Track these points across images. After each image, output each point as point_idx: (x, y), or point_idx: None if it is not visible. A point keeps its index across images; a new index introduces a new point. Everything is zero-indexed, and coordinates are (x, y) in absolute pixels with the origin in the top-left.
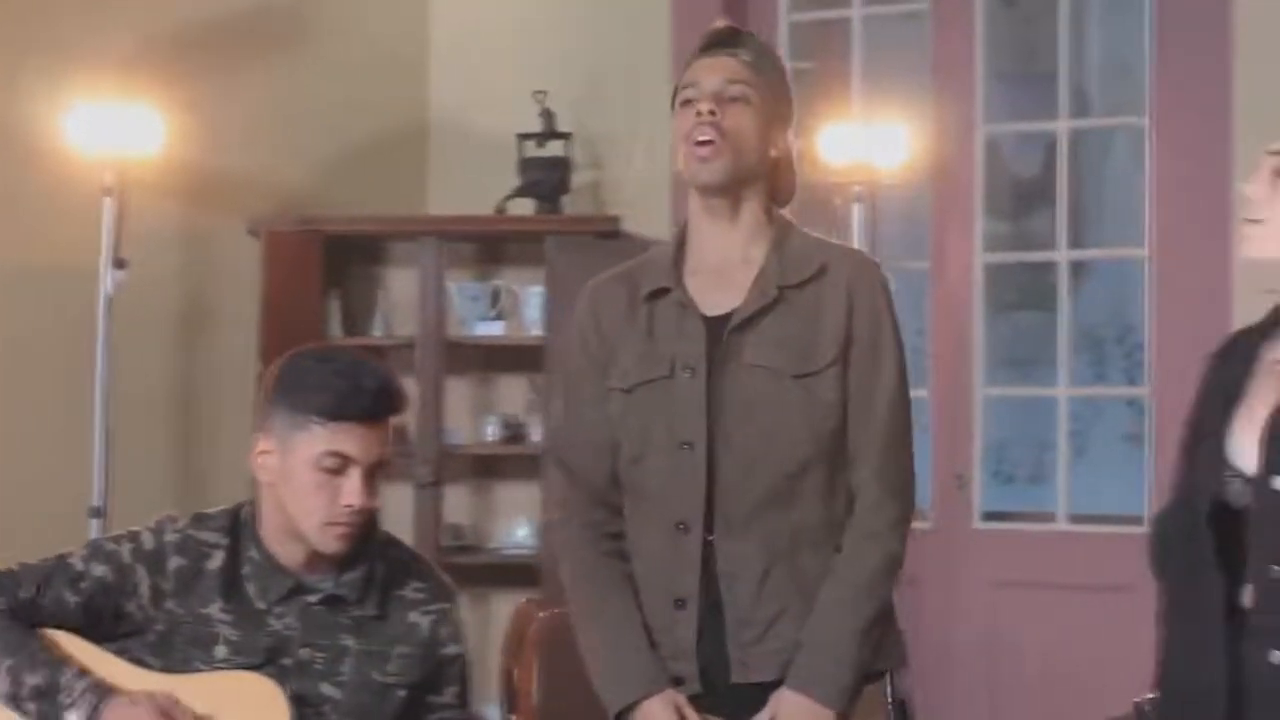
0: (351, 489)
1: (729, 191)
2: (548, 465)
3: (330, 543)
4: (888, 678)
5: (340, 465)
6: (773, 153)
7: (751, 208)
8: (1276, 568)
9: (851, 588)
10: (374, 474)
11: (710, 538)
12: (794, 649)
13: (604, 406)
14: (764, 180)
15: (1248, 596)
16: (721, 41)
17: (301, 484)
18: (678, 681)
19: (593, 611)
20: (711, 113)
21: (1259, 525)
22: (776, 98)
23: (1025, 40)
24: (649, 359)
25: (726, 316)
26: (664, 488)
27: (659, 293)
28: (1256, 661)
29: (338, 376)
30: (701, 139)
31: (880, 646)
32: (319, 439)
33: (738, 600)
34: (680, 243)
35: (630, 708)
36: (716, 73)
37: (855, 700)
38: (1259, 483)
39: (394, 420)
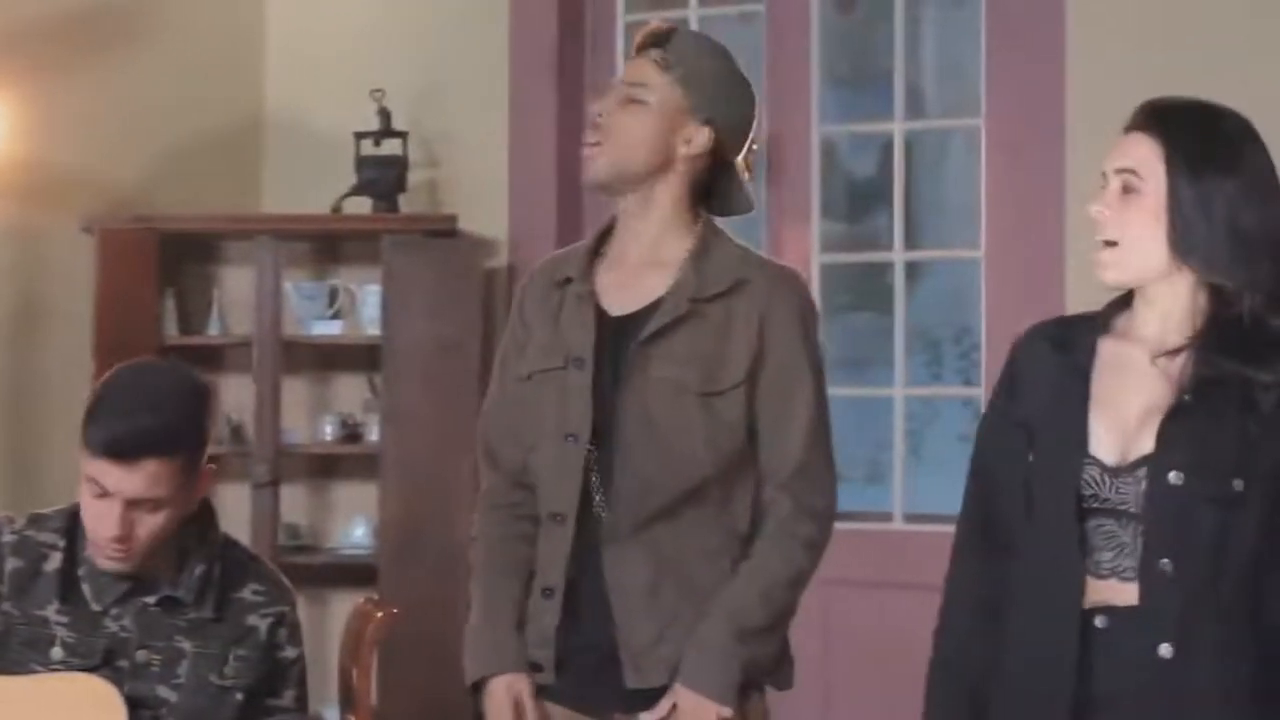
0: (106, 516)
1: (615, 189)
2: (383, 465)
3: (101, 560)
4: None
5: (100, 492)
6: (682, 149)
7: (662, 206)
8: (1166, 561)
9: (749, 591)
10: (135, 508)
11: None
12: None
13: (521, 389)
14: (675, 179)
15: (1103, 591)
16: (645, 43)
17: (82, 500)
18: (536, 668)
19: (480, 589)
20: (599, 115)
21: (1151, 519)
22: (688, 93)
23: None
24: (549, 349)
25: (628, 318)
26: (548, 478)
27: (567, 281)
28: (1134, 655)
29: (106, 406)
30: (587, 141)
31: (777, 655)
32: (86, 463)
33: (627, 608)
34: (603, 235)
35: (483, 682)
36: (628, 75)
37: (745, 700)
38: (1153, 477)
39: (154, 462)
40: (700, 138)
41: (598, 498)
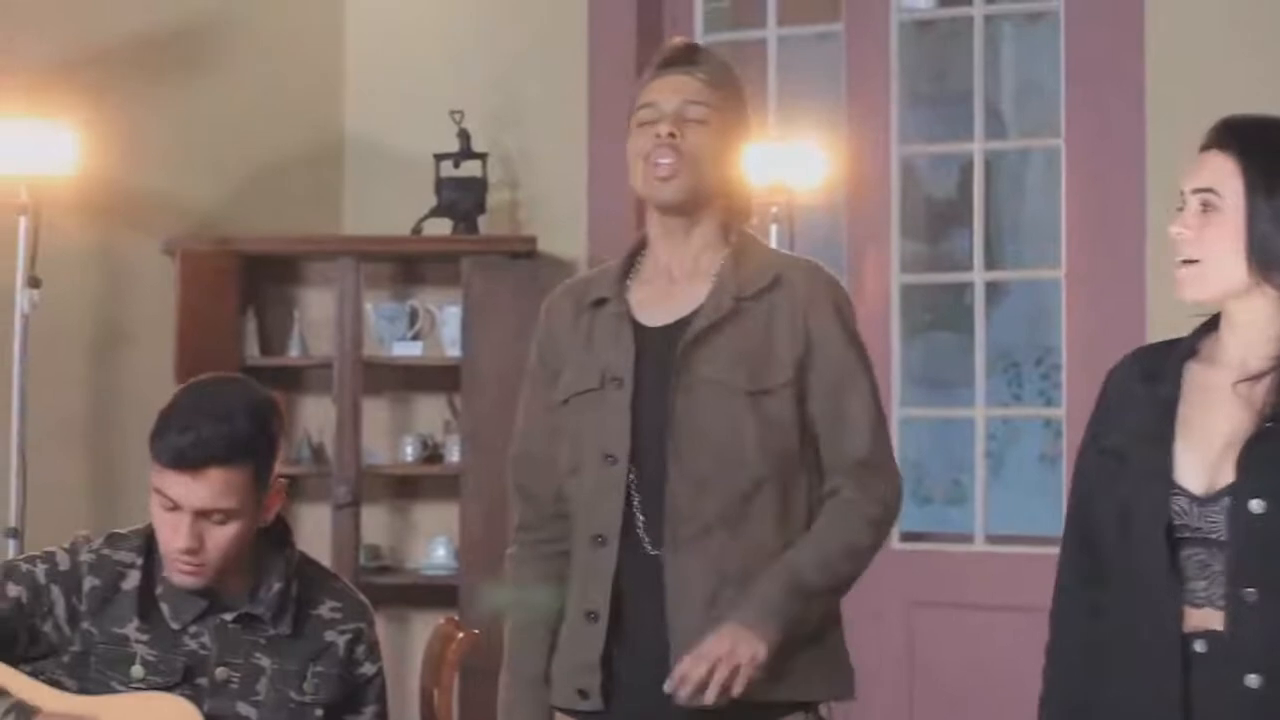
0: (176, 529)
1: (686, 211)
2: (463, 485)
3: (174, 575)
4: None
5: (170, 504)
6: (730, 171)
7: (706, 225)
8: (1251, 591)
9: (806, 554)
10: (204, 519)
11: (658, 552)
12: None
13: (553, 420)
14: (721, 198)
15: (1200, 619)
16: (680, 60)
17: (153, 514)
18: (582, 695)
19: (511, 636)
20: (671, 135)
21: (1236, 548)
22: (734, 116)
23: (939, 62)
24: (584, 370)
25: (671, 326)
26: (588, 501)
27: (600, 303)
28: (1227, 685)
29: (172, 419)
30: (661, 161)
31: (821, 623)
32: (155, 476)
33: (684, 621)
34: (634, 254)
35: None
36: (676, 93)
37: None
38: (1234, 505)
39: (218, 471)
40: (740, 158)
41: (640, 519)
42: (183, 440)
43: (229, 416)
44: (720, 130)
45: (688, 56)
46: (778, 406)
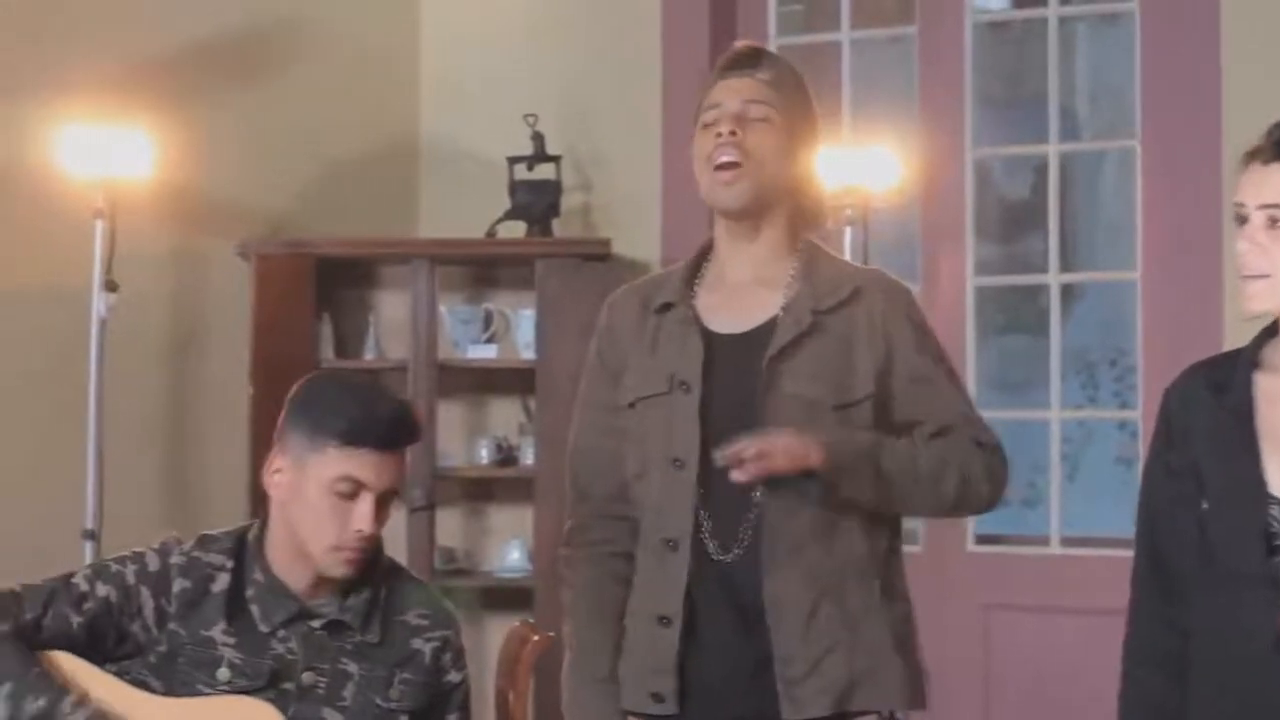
0: (362, 515)
1: (751, 215)
2: (537, 487)
3: (336, 566)
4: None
5: (353, 490)
6: (796, 173)
7: (773, 229)
8: None
9: (906, 443)
10: (386, 502)
11: (725, 558)
12: (846, 682)
13: (613, 420)
14: (788, 201)
15: None
16: (742, 62)
17: (314, 506)
18: (656, 699)
19: (573, 637)
20: (733, 133)
21: None
22: (799, 117)
23: (1013, 63)
24: (650, 374)
25: (744, 336)
26: (656, 505)
27: (665, 307)
28: None
29: (357, 402)
30: (724, 160)
31: (889, 494)
32: (334, 462)
33: (785, 634)
34: (700, 258)
35: None
36: (738, 94)
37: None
38: None
39: (406, 451)
40: (808, 161)
41: (706, 524)
42: (382, 419)
43: (392, 397)
44: (784, 130)
45: (750, 59)
46: (860, 419)
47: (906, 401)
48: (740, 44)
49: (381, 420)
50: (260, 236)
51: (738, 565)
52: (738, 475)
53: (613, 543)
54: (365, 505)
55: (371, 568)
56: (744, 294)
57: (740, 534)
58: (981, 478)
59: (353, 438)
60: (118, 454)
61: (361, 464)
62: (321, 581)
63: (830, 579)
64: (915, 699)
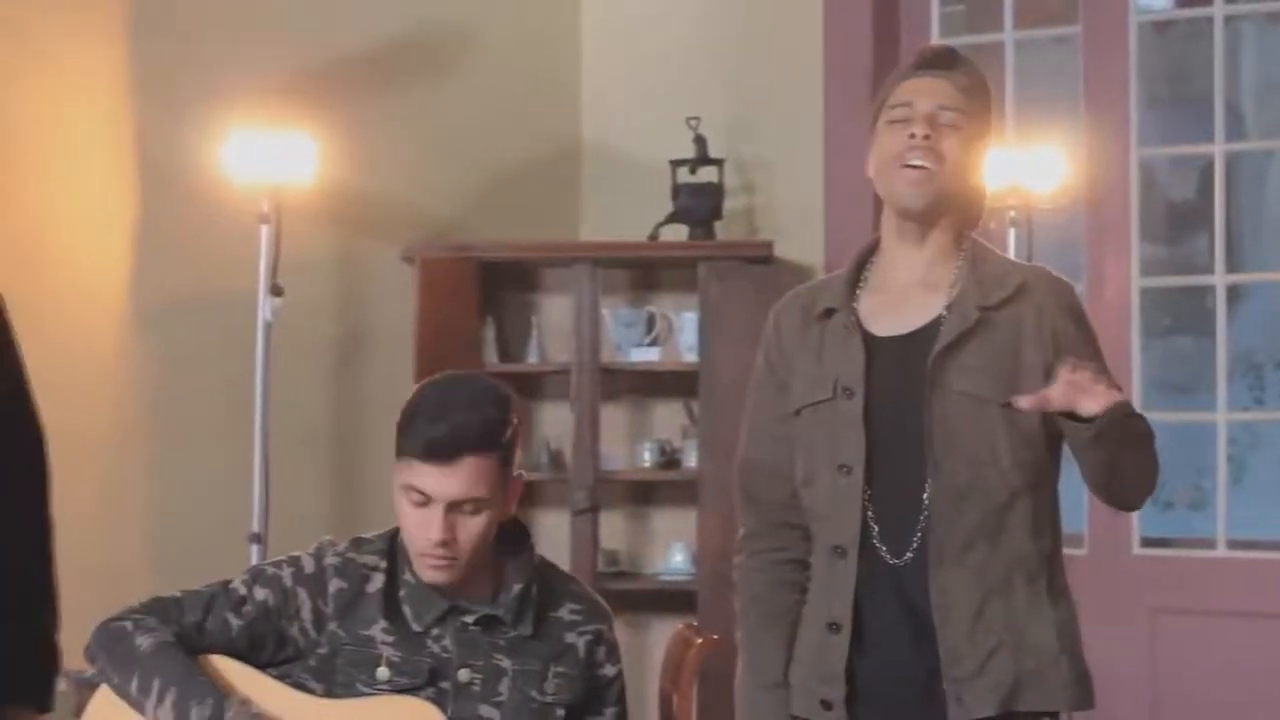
0: (430, 523)
1: (927, 218)
2: (701, 491)
3: (425, 572)
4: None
5: (423, 500)
6: (972, 180)
7: (942, 232)
8: None
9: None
10: (457, 511)
11: (897, 561)
12: (1012, 682)
13: (782, 428)
14: (960, 206)
15: None
16: (938, 63)
17: (400, 512)
18: (826, 706)
19: (746, 642)
20: (927, 137)
21: None
22: (983, 125)
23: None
24: (815, 381)
25: (907, 337)
26: (825, 511)
27: (828, 313)
28: None
29: (421, 412)
30: (916, 164)
31: (1064, 627)
32: (402, 471)
33: (952, 633)
34: (862, 261)
35: None
36: (932, 95)
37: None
38: None
39: (472, 459)
40: (984, 164)
41: (875, 529)
42: (436, 430)
43: (476, 405)
44: (969, 138)
45: (946, 61)
46: (1028, 417)
47: None
48: (937, 44)
49: (430, 434)
50: (425, 241)
51: (908, 568)
52: (1021, 402)
53: (784, 550)
54: (433, 514)
55: (523, 565)
56: (907, 296)
57: (911, 537)
58: (1153, 478)
59: (410, 449)
60: (283, 457)
61: (421, 475)
62: (464, 581)
63: (997, 578)
64: (1082, 700)
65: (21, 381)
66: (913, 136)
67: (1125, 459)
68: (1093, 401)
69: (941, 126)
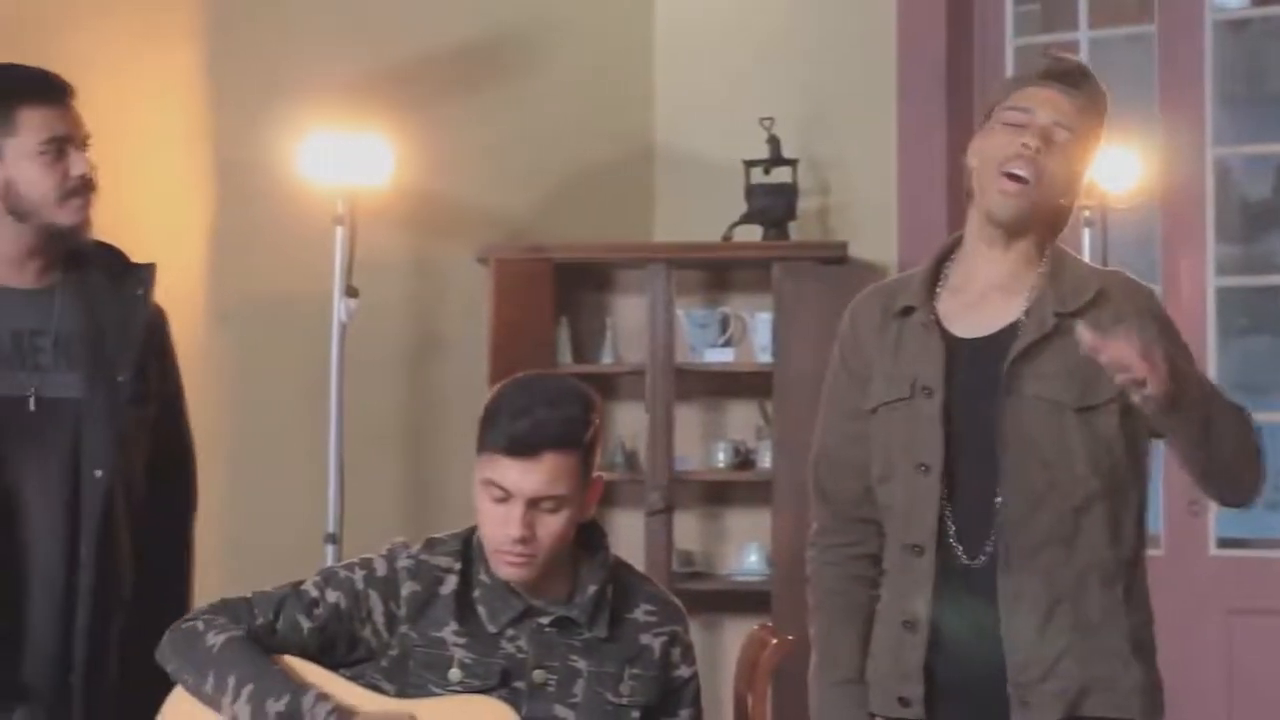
0: (509, 520)
1: (1015, 228)
2: (775, 491)
3: (502, 568)
4: None
5: (502, 495)
6: (1063, 201)
7: (1027, 241)
8: None
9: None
10: (536, 508)
11: (972, 562)
12: (1078, 689)
13: (857, 425)
14: (1050, 216)
15: None
16: (1066, 78)
17: (480, 507)
18: (903, 703)
19: (819, 637)
20: (1037, 150)
21: None
22: (1092, 144)
23: (1253, 61)
24: (892, 379)
25: (986, 340)
26: (901, 510)
27: (907, 311)
28: None
29: (505, 407)
30: (1018, 173)
31: (1135, 639)
32: (483, 466)
33: (1019, 636)
34: (942, 259)
35: None
36: (1052, 109)
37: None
38: None
39: (552, 456)
40: (1084, 180)
41: (952, 528)
42: (519, 426)
43: (560, 403)
44: (1074, 158)
45: (1076, 77)
46: (1105, 422)
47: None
48: (1070, 58)
49: (517, 428)
50: (499, 242)
51: (981, 569)
52: (1084, 335)
53: (857, 545)
54: (513, 511)
55: (599, 566)
56: (987, 298)
57: (986, 538)
58: (1257, 458)
59: (492, 444)
60: (358, 458)
61: (502, 470)
62: (539, 581)
63: (1069, 583)
64: (1151, 708)
65: (179, 403)
66: (1024, 145)
67: (1216, 431)
68: (1153, 375)
69: (1052, 143)
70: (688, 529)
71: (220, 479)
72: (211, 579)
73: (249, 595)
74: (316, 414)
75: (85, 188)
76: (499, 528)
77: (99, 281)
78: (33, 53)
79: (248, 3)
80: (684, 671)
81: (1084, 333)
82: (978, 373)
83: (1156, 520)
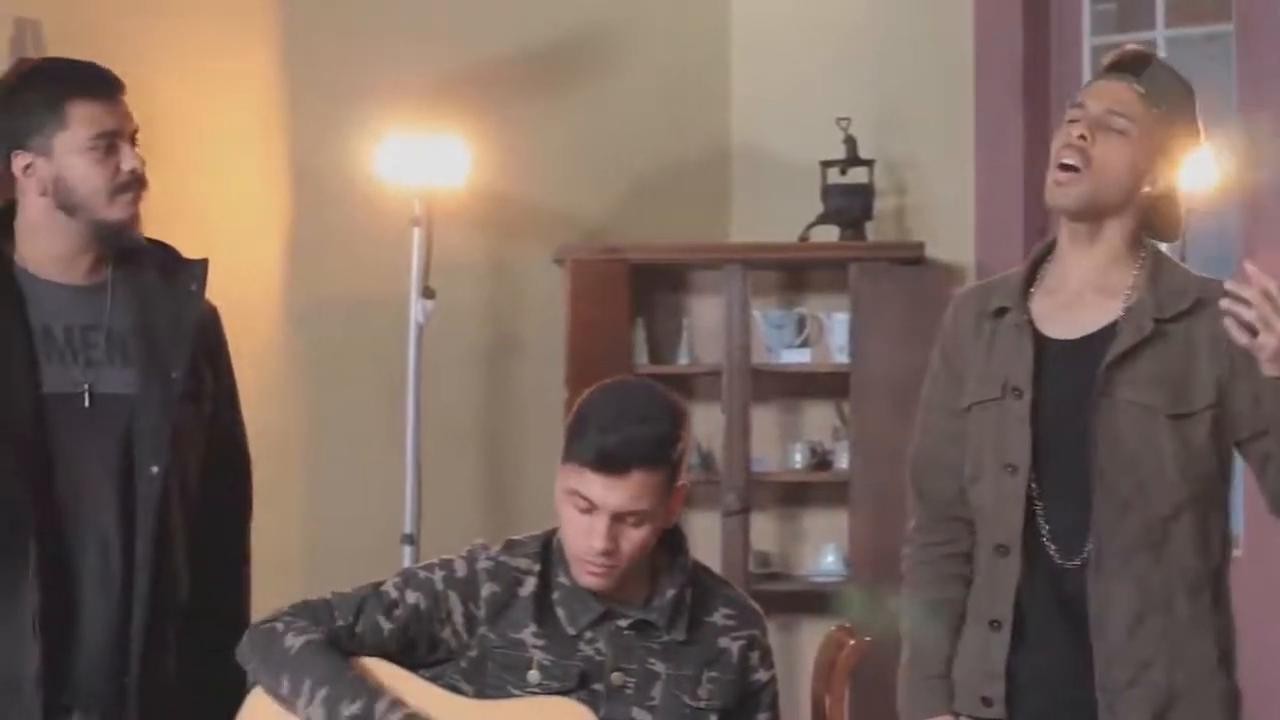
0: (593, 532)
1: (1083, 218)
2: (852, 492)
3: (583, 577)
4: None
5: (587, 507)
6: (1147, 189)
7: (1113, 236)
8: None
9: None
10: (620, 522)
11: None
12: (1165, 697)
13: (954, 422)
14: (1134, 212)
15: None
16: (1123, 67)
17: (562, 515)
18: (986, 703)
19: (911, 632)
20: (1083, 138)
21: None
22: (1166, 134)
23: None
24: (985, 379)
25: (1079, 342)
26: (990, 509)
27: (1001, 311)
28: None
29: (594, 419)
30: (1065, 162)
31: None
32: (569, 476)
33: (1107, 641)
34: (1038, 260)
35: None
36: (1106, 99)
37: None
38: None
39: (641, 474)
40: (1165, 179)
41: (1045, 529)
42: (608, 441)
43: (651, 419)
44: (1141, 145)
45: (1133, 65)
46: (1197, 430)
47: (1254, 416)
48: (1130, 47)
49: (607, 444)
50: (575, 243)
51: (1075, 572)
52: (1224, 301)
53: (952, 543)
54: (597, 523)
55: (678, 569)
56: (1082, 300)
57: (1083, 541)
58: None
59: (579, 456)
60: (436, 459)
61: (588, 483)
62: (619, 585)
63: (1159, 588)
64: (1233, 718)
65: (234, 403)
66: (1076, 137)
67: None
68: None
69: (1106, 130)
70: (764, 530)
71: (298, 481)
72: (290, 580)
73: (329, 596)
74: (394, 416)
75: (135, 183)
76: (582, 538)
77: (151, 277)
78: (109, 56)
79: (324, 5)
80: (762, 675)
81: (1249, 267)
82: (1070, 374)
83: (1237, 520)
